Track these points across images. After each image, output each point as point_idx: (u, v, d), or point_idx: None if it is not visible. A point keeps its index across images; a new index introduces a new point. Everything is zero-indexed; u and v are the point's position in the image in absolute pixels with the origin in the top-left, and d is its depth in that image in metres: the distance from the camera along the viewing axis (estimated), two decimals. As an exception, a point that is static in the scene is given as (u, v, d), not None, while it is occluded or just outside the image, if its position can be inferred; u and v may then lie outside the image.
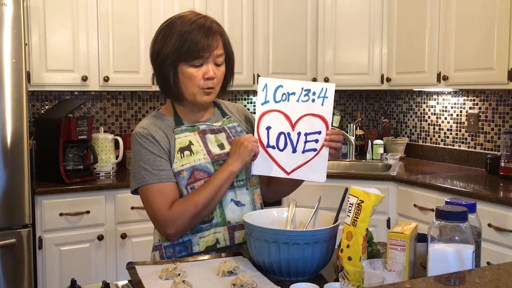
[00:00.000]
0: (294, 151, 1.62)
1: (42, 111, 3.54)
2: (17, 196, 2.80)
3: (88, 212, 3.06)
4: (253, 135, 1.65)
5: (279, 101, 1.64)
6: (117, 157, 3.44)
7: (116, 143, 3.45)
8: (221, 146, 1.70)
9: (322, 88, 1.62)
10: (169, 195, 1.61)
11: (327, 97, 1.61)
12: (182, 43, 1.60)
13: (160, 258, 1.67)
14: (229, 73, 1.73)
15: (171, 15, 1.73)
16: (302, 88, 1.63)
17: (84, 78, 3.30)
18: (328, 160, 1.62)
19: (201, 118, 1.74)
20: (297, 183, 1.77)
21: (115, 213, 3.15)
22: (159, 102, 3.93)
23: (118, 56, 3.40)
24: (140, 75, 3.44)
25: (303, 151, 1.62)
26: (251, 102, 4.26)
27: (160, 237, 1.68)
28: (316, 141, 1.62)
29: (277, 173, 1.64)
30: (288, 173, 1.63)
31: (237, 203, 1.67)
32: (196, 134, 1.69)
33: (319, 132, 1.61)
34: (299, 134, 1.62)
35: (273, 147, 1.63)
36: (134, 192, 1.68)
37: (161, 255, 1.67)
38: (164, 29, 1.65)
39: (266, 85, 1.64)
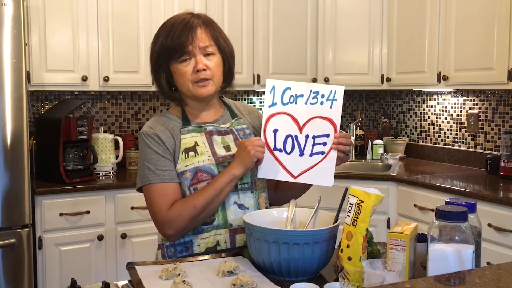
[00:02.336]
0: (302, 154, 1.61)
1: (42, 111, 3.54)
2: (17, 196, 2.80)
3: (88, 212, 3.06)
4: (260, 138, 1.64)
5: (287, 104, 1.62)
6: (117, 157, 3.44)
7: (116, 143, 3.45)
8: (227, 148, 1.69)
9: (331, 91, 1.61)
10: (170, 196, 1.62)
11: (335, 100, 1.60)
12: (165, 40, 1.64)
13: (162, 257, 1.67)
14: (226, 63, 1.70)
15: (171, 15, 1.75)
16: (311, 91, 1.61)
17: (84, 78, 3.30)
18: (336, 164, 1.60)
19: (209, 119, 1.74)
20: (305, 188, 1.75)
21: (115, 213, 3.15)
22: (159, 102, 3.93)
23: (118, 56, 3.40)
24: (140, 75, 3.44)
25: (311, 154, 1.60)
26: (251, 102, 4.26)
27: (163, 237, 1.69)
28: (324, 144, 1.60)
29: (283, 176, 1.63)
30: (295, 177, 1.62)
31: (240, 206, 1.66)
32: (203, 135, 1.68)
33: (327, 135, 1.60)
34: (306, 137, 1.61)
35: (280, 150, 1.62)
36: (139, 189, 1.69)
37: (163, 254, 1.68)
38: (156, 35, 1.69)
39: (273, 87, 1.63)
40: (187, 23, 1.63)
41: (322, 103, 1.60)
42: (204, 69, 1.63)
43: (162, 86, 1.70)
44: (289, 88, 1.62)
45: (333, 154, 1.60)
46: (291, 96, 1.62)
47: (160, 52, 1.65)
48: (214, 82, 1.67)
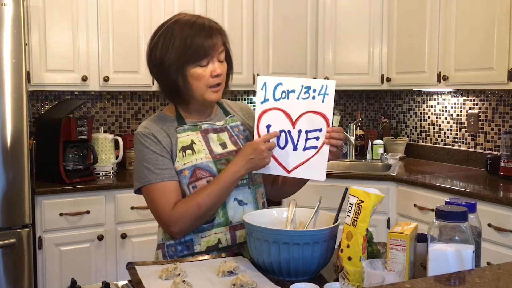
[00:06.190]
0: (295, 149, 1.62)
1: (42, 111, 3.54)
2: (17, 196, 2.80)
3: (88, 212, 3.06)
4: (254, 135, 1.64)
5: (279, 99, 1.63)
6: (117, 157, 3.44)
7: (116, 143, 3.45)
8: (223, 145, 1.70)
9: (323, 85, 1.61)
10: (172, 194, 1.62)
11: (327, 94, 1.60)
12: (187, 47, 1.60)
13: (163, 257, 1.68)
14: (230, 69, 1.74)
15: (171, 15, 1.73)
16: (302, 86, 1.62)
17: (84, 78, 3.30)
18: (330, 159, 1.60)
19: (203, 118, 1.75)
20: (302, 182, 1.77)
21: (115, 213, 3.15)
22: (159, 102, 3.93)
23: (118, 56, 3.40)
24: (140, 75, 3.44)
25: (304, 149, 1.61)
26: (251, 102, 4.26)
27: (163, 236, 1.69)
28: (317, 138, 1.61)
29: (277, 171, 1.64)
30: (288, 172, 1.63)
31: (240, 202, 1.67)
32: (199, 134, 1.69)
33: (320, 130, 1.60)
34: (299, 131, 1.61)
35: None
36: (137, 191, 1.68)
37: (164, 253, 1.68)
38: (163, 35, 1.64)
39: (265, 83, 1.64)
40: (211, 28, 1.63)
41: (314, 97, 1.61)
42: (220, 74, 1.65)
43: (177, 87, 1.64)
44: (280, 83, 1.63)
45: (326, 149, 1.60)
46: (283, 91, 1.63)
47: (179, 57, 1.61)
48: (223, 87, 1.70)
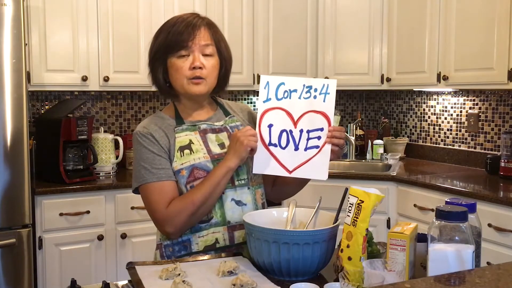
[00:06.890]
0: (297, 148, 1.62)
1: (42, 111, 3.54)
2: (17, 196, 2.80)
3: (88, 212, 3.06)
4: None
5: (281, 99, 1.63)
6: (117, 157, 3.44)
7: (116, 143, 3.45)
8: (222, 146, 1.70)
9: (324, 84, 1.61)
10: (168, 194, 1.62)
11: (328, 93, 1.61)
12: (167, 35, 1.66)
13: (161, 257, 1.68)
14: (223, 67, 1.73)
15: (171, 15, 1.76)
16: (304, 85, 1.62)
17: (84, 78, 3.30)
18: (331, 159, 1.61)
19: (202, 118, 1.75)
20: (303, 183, 1.77)
21: (115, 213, 3.15)
22: (159, 102, 3.93)
23: (118, 56, 3.40)
24: (140, 75, 3.44)
25: (306, 149, 1.61)
26: (251, 102, 4.26)
27: (161, 236, 1.69)
28: (319, 138, 1.61)
29: (279, 171, 1.63)
30: (290, 172, 1.62)
31: (238, 203, 1.67)
32: (197, 133, 1.69)
33: (321, 129, 1.61)
34: (301, 131, 1.62)
35: (275, 145, 1.63)
36: (135, 191, 1.69)
37: (161, 254, 1.68)
38: (157, 31, 1.72)
39: (268, 82, 1.64)
40: (191, 22, 1.66)
41: (315, 97, 1.61)
42: (200, 67, 1.65)
43: (158, 79, 1.71)
44: (283, 83, 1.64)
45: (327, 148, 1.60)
46: (285, 91, 1.63)
47: (160, 46, 1.67)
48: (208, 82, 1.68)
